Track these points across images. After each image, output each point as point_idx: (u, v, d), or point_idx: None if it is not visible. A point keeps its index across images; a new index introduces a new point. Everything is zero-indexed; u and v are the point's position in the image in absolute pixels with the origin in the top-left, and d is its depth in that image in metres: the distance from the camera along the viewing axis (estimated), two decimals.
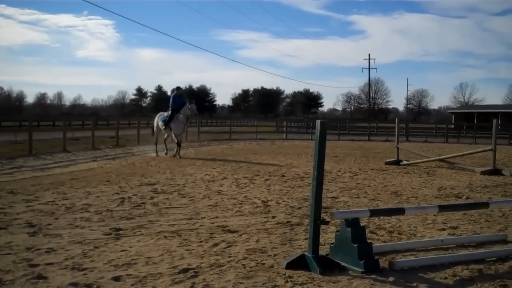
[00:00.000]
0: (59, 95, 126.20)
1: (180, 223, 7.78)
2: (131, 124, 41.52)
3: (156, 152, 20.52)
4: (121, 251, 6.16)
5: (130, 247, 6.35)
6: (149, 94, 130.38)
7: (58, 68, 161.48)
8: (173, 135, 20.04)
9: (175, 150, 19.91)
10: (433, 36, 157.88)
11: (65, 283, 4.92)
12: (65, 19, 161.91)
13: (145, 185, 11.70)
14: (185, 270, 5.40)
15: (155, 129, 21.14)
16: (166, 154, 20.22)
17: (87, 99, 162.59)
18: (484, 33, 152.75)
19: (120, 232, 7.12)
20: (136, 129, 29.06)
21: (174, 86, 22.44)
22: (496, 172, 15.71)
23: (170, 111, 20.19)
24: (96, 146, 23.51)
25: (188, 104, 20.06)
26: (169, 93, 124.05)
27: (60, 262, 5.62)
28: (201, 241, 6.70)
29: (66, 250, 6.12)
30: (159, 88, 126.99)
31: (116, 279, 5.10)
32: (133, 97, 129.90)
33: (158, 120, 20.84)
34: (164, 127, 20.26)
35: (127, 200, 9.70)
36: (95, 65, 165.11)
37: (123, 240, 6.68)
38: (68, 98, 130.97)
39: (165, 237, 6.90)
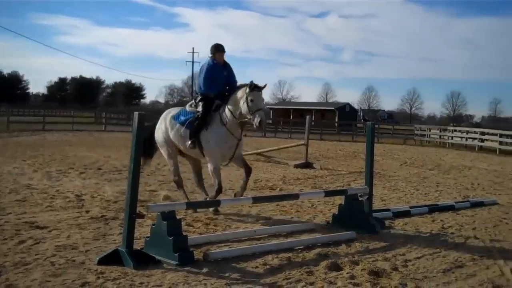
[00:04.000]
0: None
1: None
2: None
3: (187, 197, 8.89)
4: None
5: None
6: None
7: None
8: (210, 167, 8.30)
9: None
10: (255, 33, 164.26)
11: None
12: None
13: None
14: None
15: (164, 145, 8.93)
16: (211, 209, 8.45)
17: None
18: (303, 33, 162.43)
19: None
20: None
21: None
22: (307, 165, 16.74)
23: (200, 102, 8.52)
24: None
25: (251, 86, 7.95)
26: None
27: None
28: (5, 239, 6.25)
29: None
30: None
31: None
32: None
33: (168, 125, 8.80)
34: (190, 142, 8.32)
35: None
36: None
37: None
38: None
39: None
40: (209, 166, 8.32)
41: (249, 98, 7.89)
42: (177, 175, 8.95)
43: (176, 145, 8.74)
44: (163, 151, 9.01)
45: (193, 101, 8.76)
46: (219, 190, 8.28)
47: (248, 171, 8.40)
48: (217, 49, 8.59)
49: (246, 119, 7.99)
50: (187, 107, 8.76)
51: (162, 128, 8.87)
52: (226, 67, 8.69)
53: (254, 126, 7.90)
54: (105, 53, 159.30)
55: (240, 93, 8.12)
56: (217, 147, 8.16)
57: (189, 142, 8.29)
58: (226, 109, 8.20)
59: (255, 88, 7.96)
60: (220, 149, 8.17)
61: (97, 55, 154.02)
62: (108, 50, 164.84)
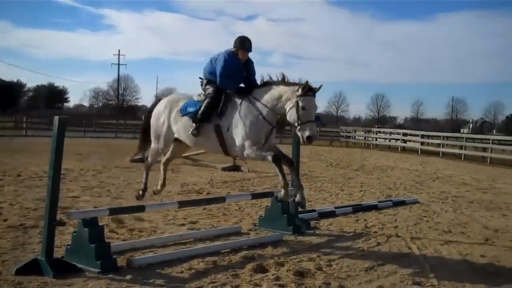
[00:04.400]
0: None
1: None
2: None
3: (144, 186, 7.95)
4: None
5: None
6: None
7: None
8: (245, 150, 6.42)
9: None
10: (183, 36, 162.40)
11: None
12: None
13: None
14: None
15: (157, 137, 7.43)
16: (155, 190, 8.11)
17: None
18: (231, 36, 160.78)
19: None
20: None
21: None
22: (235, 168, 16.76)
23: (208, 85, 6.96)
24: None
25: (305, 88, 6.12)
26: None
27: None
28: None
29: None
30: None
31: None
32: None
33: (172, 119, 7.17)
34: (194, 128, 6.72)
35: None
36: None
37: None
38: None
39: None
40: (245, 152, 6.37)
41: (300, 104, 6.07)
42: (152, 160, 7.82)
43: (182, 138, 7.13)
44: (155, 139, 7.46)
45: (203, 87, 7.04)
46: (276, 158, 6.20)
47: (291, 162, 6.63)
48: (242, 45, 6.73)
49: (311, 134, 6.05)
50: (195, 97, 7.02)
51: (163, 120, 7.22)
52: (248, 66, 6.91)
53: (301, 140, 6.23)
54: (27, 55, 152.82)
55: (287, 93, 6.30)
56: (251, 133, 6.37)
57: (193, 128, 6.68)
58: (255, 100, 6.51)
59: (309, 92, 6.15)
60: (255, 135, 6.37)
61: (18, 58, 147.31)
62: (30, 52, 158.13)
